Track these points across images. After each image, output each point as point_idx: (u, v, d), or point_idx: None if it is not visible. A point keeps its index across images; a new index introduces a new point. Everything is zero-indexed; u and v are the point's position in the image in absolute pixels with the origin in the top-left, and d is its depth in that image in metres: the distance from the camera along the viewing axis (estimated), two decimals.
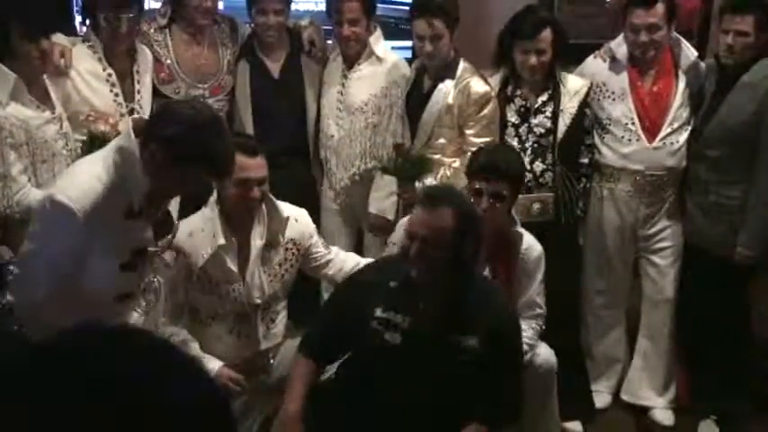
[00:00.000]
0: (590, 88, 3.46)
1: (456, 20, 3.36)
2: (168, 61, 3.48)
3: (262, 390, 2.92)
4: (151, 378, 0.75)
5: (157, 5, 3.68)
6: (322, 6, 4.08)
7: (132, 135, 2.26)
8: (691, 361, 3.67)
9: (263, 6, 3.50)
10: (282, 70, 3.68)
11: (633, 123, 3.43)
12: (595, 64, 3.56)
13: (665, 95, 3.44)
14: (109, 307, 2.38)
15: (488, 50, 3.51)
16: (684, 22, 4.08)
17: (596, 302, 3.67)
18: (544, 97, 3.41)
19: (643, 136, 3.42)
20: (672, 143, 3.43)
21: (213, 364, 2.72)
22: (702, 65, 3.52)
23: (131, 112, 3.29)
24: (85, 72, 3.22)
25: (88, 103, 3.20)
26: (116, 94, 3.26)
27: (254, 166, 2.69)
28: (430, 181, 3.34)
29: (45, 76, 3.05)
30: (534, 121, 3.40)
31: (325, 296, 3.39)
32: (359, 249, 3.65)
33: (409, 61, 3.70)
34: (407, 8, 3.63)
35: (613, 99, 3.47)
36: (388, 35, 3.83)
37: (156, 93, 3.43)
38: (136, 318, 2.61)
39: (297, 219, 2.92)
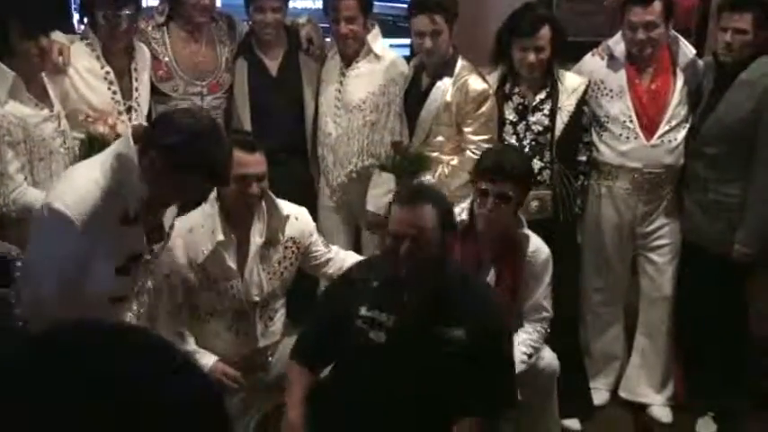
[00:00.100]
0: (588, 86, 3.46)
1: (455, 15, 3.37)
2: (166, 59, 3.48)
3: (260, 387, 2.92)
4: (149, 376, 0.75)
5: (155, 3, 3.68)
6: (319, 4, 4.08)
7: (131, 141, 2.27)
8: (689, 358, 3.67)
9: (261, 4, 3.50)
10: (280, 68, 3.68)
11: (631, 121, 3.43)
12: (593, 62, 3.57)
13: (663, 93, 3.44)
14: (104, 308, 2.38)
15: (487, 48, 3.51)
16: (682, 19, 4.09)
17: (594, 300, 3.68)
18: (542, 95, 3.41)
19: (641, 134, 3.43)
20: (670, 141, 3.43)
21: (208, 360, 2.73)
22: (700, 62, 3.52)
23: (129, 109, 3.29)
24: (83, 70, 3.22)
25: (86, 101, 3.20)
26: (114, 92, 3.26)
27: (252, 162, 2.69)
28: (428, 178, 3.34)
29: (43, 74, 3.05)
30: (532, 118, 3.40)
31: None
32: (357, 247, 3.65)
33: (407, 59, 3.70)
34: (405, 6, 3.63)
35: (611, 97, 3.47)
36: (387, 33, 3.83)
37: (154, 90, 3.43)
38: (129, 318, 2.61)
39: (297, 217, 2.91)
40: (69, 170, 2.57)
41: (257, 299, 2.86)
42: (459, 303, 2.50)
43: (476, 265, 2.94)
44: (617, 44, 3.49)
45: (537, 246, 2.99)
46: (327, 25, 3.68)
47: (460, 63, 3.40)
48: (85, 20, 3.37)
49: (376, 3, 3.68)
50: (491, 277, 2.94)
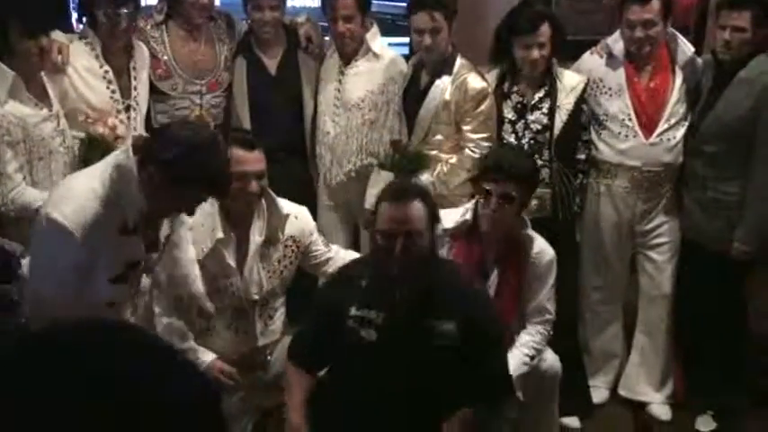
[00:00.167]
0: (587, 84, 3.46)
1: (454, 12, 3.38)
2: (165, 58, 3.48)
3: (259, 386, 2.93)
4: (147, 375, 0.75)
5: (154, 2, 3.68)
6: (317, 2, 4.08)
7: (131, 152, 2.27)
8: (688, 357, 3.67)
9: (259, 2, 3.51)
10: (279, 67, 3.68)
11: (630, 119, 3.43)
12: (592, 60, 3.57)
13: (662, 91, 3.44)
14: (102, 311, 2.39)
15: (485, 47, 3.51)
16: (681, 18, 4.09)
17: (593, 298, 3.68)
18: (541, 93, 3.41)
19: (640, 132, 3.43)
20: (669, 139, 3.43)
21: (206, 357, 2.73)
22: (699, 60, 3.52)
23: (128, 108, 3.30)
24: (82, 69, 3.22)
25: (85, 100, 3.20)
26: (113, 91, 3.26)
27: (251, 160, 2.70)
28: (426, 177, 3.35)
29: (42, 74, 3.05)
30: (531, 117, 3.40)
31: None
32: (355, 246, 3.65)
33: (406, 58, 3.70)
34: (404, 4, 3.63)
35: (610, 95, 3.47)
36: (385, 31, 3.83)
37: (153, 89, 3.43)
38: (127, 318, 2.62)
39: (297, 216, 2.92)
40: (68, 179, 2.57)
41: (256, 297, 2.86)
42: (448, 297, 2.52)
43: (479, 265, 2.94)
44: (616, 42, 3.49)
45: (541, 247, 2.98)
46: (326, 24, 3.68)
47: (459, 61, 3.40)
48: (84, 19, 3.37)
49: (375, 1, 3.69)
50: (494, 278, 2.94)
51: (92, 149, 3.08)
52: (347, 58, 3.61)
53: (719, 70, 3.36)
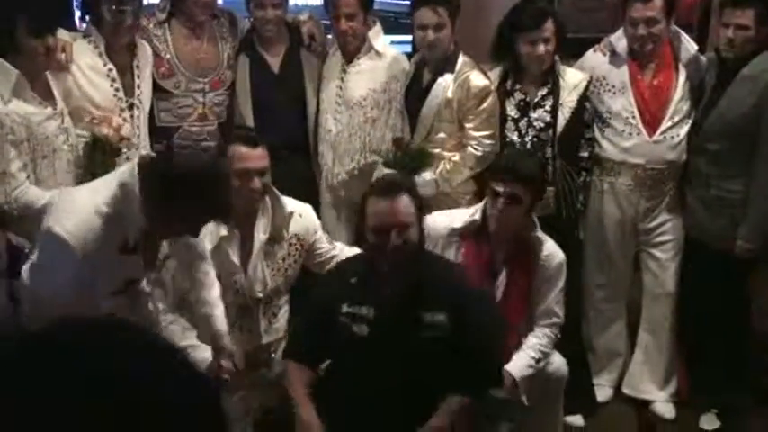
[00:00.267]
0: (589, 82, 3.45)
1: (457, 8, 3.38)
2: (168, 56, 3.48)
3: (263, 383, 2.92)
4: (149, 376, 0.75)
5: (156, 0, 3.68)
6: (320, 0, 4.07)
7: (136, 171, 2.27)
8: (692, 355, 3.67)
9: (261, 0, 3.50)
10: (282, 65, 3.67)
11: (633, 117, 3.43)
12: (595, 58, 3.56)
13: (666, 89, 3.44)
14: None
15: (488, 45, 3.51)
16: (684, 15, 4.09)
17: (597, 296, 3.67)
18: (543, 91, 3.41)
19: (643, 130, 3.42)
20: (672, 137, 3.43)
21: (208, 354, 2.72)
22: (703, 58, 3.52)
23: (131, 107, 3.30)
24: (86, 67, 3.22)
25: (88, 98, 3.20)
26: (116, 89, 3.26)
27: (254, 157, 2.70)
28: (429, 175, 3.34)
29: (47, 72, 3.05)
30: (534, 115, 3.40)
31: None
32: (358, 244, 3.65)
33: (409, 56, 3.70)
34: (407, 2, 3.63)
35: (614, 93, 3.46)
36: (388, 30, 3.83)
37: (156, 88, 3.43)
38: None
39: (301, 214, 2.92)
40: (73, 191, 2.57)
41: (260, 295, 2.86)
42: (438, 288, 2.55)
43: (488, 265, 2.94)
44: (619, 40, 3.49)
45: (551, 250, 2.97)
46: (329, 22, 3.67)
47: (462, 59, 3.40)
48: (87, 17, 3.37)
49: None
50: (503, 279, 2.94)
51: (96, 149, 3.09)
52: (349, 57, 3.61)
53: (723, 68, 3.36)
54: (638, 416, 3.64)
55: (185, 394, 0.76)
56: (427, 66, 3.48)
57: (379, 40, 3.63)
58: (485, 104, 3.36)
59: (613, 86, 3.47)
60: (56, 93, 3.06)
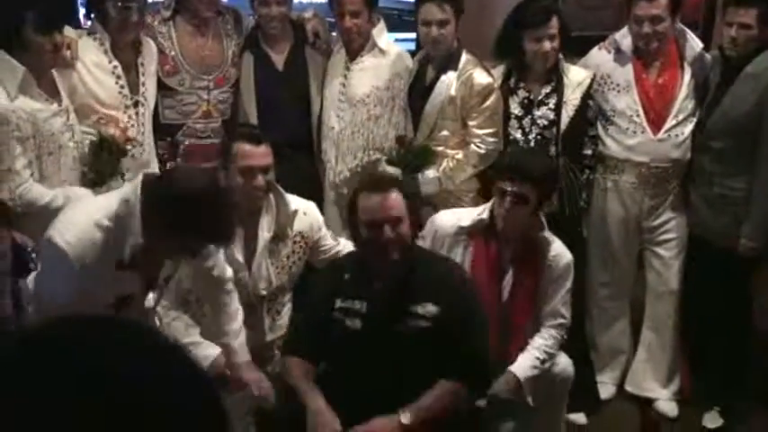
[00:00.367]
0: (593, 80, 3.45)
1: (462, 6, 3.38)
2: (172, 53, 3.48)
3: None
4: (149, 376, 0.75)
5: None
6: None
7: (139, 190, 2.27)
8: (695, 353, 3.67)
9: None
10: (287, 62, 3.67)
11: (638, 115, 3.42)
12: (600, 55, 3.56)
13: (671, 87, 3.43)
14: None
15: (491, 43, 3.50)
16: (689, 13, 4.08)
17: (600, 294, 3.67)
18: (547, 89, 3.41)
19: (648, 128, 3.42)
20: (677, 135, 3.42)
21: (211, 351, 2.72)
22: (708, 56, 3.51)
23: (136, 104, 3.31)
24: (91, 64, 3.23)
25: (93, 95, 3.21)
26: (121, 86, 3.27)
27: (258, 155, 2.70)
28: (432, 172, 3.35)
29: (53, 69, 3.06)
30: (537, 112, 3.40)
31: None
32: None
33: (412, 53, 3.70)
34: (411, 0, 3.62)
35: (618, 91, 3.46)
36: (392, 27, 3.82)
37: (160, 85, 3.43)
38: None
39: (305, 212, 2.92)
40: (77, 204, 2.59)
41: (264, 293, 2.87)
42: (429, 280, 2.59)
43: (495, 264, 2.94)
44: (624, 38, 3.48)
45: (558, 251, 2.96)
46: (333, 19, 3.67)
47: (465, 57, 3.40)
48: (92, 15, 3.38)
49: None
50: (509, 278, 2.94)
51: (103, 150, 3.10)
52: (353, 54, 3.60)
53: (726, 66, 3.35)
54: (640, 414, 3.64)
55: (186, 393, 0.76)
56: (430, 63, 3.48)
57: (383, 37, 3.62)
58: (488, 102, 3.35)
59: (618, 84, 3.46)
60: (61, 89, 3.07)
